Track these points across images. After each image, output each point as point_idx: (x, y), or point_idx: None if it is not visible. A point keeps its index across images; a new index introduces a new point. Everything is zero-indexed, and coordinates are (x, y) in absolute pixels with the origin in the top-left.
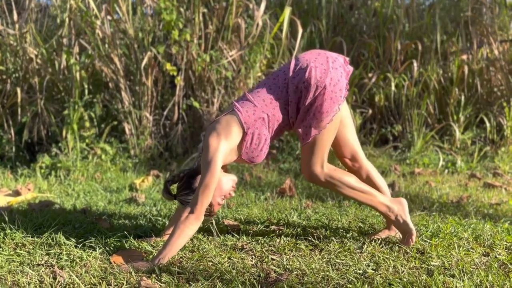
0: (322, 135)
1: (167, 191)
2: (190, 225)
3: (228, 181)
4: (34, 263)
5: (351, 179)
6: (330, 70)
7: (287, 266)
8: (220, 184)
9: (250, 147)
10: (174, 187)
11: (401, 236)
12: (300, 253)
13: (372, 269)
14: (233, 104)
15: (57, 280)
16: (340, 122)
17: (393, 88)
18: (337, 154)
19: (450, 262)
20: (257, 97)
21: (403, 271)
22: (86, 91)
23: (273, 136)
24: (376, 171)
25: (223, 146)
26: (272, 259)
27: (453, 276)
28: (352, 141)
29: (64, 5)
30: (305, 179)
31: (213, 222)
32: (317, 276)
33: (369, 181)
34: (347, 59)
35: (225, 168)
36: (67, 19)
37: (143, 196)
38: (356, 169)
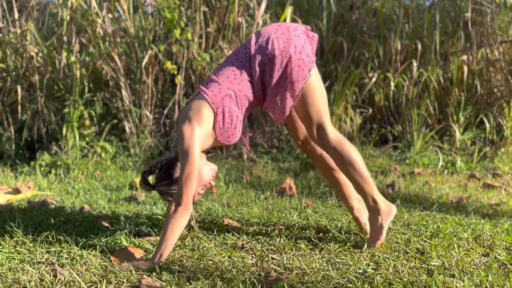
0: (309, 93)
1: (145, 182)
2: (180, 218)
3: (208, 171)
4: (35, 261)
5: (360, 158)
6: (293, 38)
7: (287, 265)
8: (200, 174)
9: (224, 127)
10: (152, 178)
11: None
12: (300, 253)
13: (372, 269)
14: (199, 88)
15: (57, 278)
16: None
17: (392, 88)
18: (295, 137)
19: (450, 262)
20: (221, 75)
21: (403, 270)
22: (87, 89)
23: (245, 114)
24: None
25: (198, 132)
26: (272, 258)
27: (453, 276)
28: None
29: (65, 2)
30: (315, 143)
31: (193, 213)
32: (317, 275)
33: (323, 163)
34: (308, 27)
35: (206, 155)
36: (67, 17)
37: (143, 195)
38: (309, 150)
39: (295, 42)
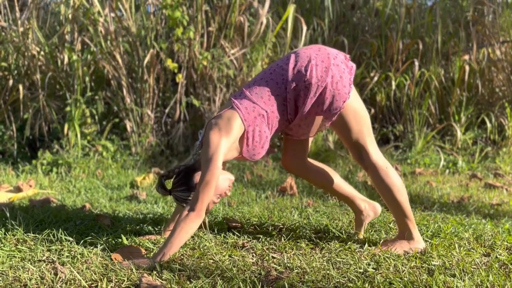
0: (347, 117)
1: (162, 186)
2: (191, 223)
3: (225, 180)
4: (35, 259)
5: (402, 186)
6: (331, 67)
7: (288, 264)
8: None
9: (252, 145)
10: (169, 182)
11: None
12: (301, 252)
13: (373, 268)
14: (231, 100)
15: (58, 276)
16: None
17: (394, 87)
18: (283, 156)
19: (450, 262)
20: (255, 94)
21: (404, 270)
22: (88, 88)
23: (273, 133)
24: (321, 168)
25: (224, 143)
26: (273, 257)
27: (453, 276)
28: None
29: (67, 1)
30: (358, 163)
31: (206, 220)
32: (317, 275)
33: (312, 178)
34: (348, 56)
35: (224, 166)
36: (69, 16)
37: (144, 194)
38: (302, 172)
39: (333, 71)
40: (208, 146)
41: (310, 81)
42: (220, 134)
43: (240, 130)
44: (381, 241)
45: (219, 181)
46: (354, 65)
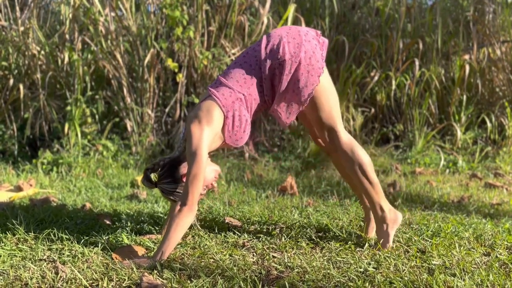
0: (319, 98)
1: (147, 179)
2: (184, 217)
3: (211, 172)
4: (36, 258)
5: (370, 164)
6: (304, 43)
7: (288, 264)
8: None
9: (233, 130)
10: (154, 175)
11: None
12: (301, 251)
13: (373, 268)
14: (208, 90)
15: (59, 275)
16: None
17: (394, 87)
18: (311, 134)
19: (451, 262)
20: (230, 79)
21: (404, 269)
22: (89, 88)
23: (253, 116)
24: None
25: (206, 134)
26: (273, 257)
27: (454, 275)
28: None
29: (68, 1)
30: (322, 144)
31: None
32: (318, 274)
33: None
34: (319, 32)
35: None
36: (70, 15)
37: (145, 193)
38: (331, 149)
39: (306, 47)
40: (191, 139)
41: (284, 57)
42: (200, 125)
43: (220, 118)
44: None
45: (206, 173)
46: (326, 40)
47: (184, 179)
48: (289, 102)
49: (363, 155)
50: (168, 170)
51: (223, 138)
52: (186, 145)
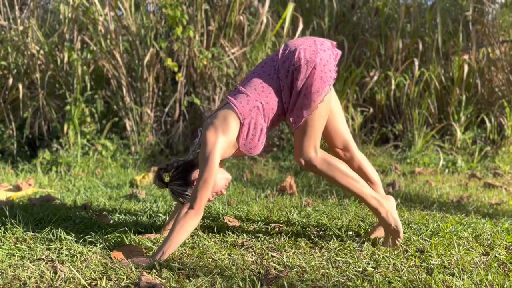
0: (313, 118)
1: (159, 179)
2: (190, 220)
3: (222, 179)
4: (35, 257)
5: (345, 167)
6: (319, 51)
7: (287, 263)
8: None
9: (247, 138)
10: (167, 176)
11: (383, 237)
12: (300, 251)
13: (372, 267)
14: (227, 98)
15: (57, 275)
16: (330, 111)
17: (393, 87)
18: (329, 144)
19: (449, 261)
20: (249, 87)
21: (403, 269)
22: (88, 87)
23: (270, 126)
24: (368, 162)
25: (221, 141)
26: (272, 256)
27: (452, 275)
28: (343, 131)
29: (67, 0)
30: (299, 165)
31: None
32: (317, 274)
33: (361, 171)
34: (334, 43)
35: (221, 165)
36: (69, 15)
37: (144, 193)
38: (348, 159)
39: (321, 55)
40: (205, 145)
41: (300, 62)
42: (216, 133)
43: (236, 127)
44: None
45: (217, 180)
46: (339, 52)
47: (195, 183)
48: (300, 106)
49: (336, 161)
50: (181, 172)
51: (237, 146)
52: (200, 150)
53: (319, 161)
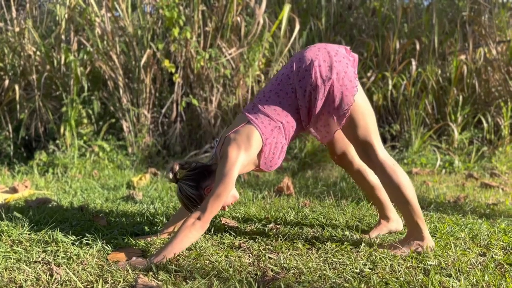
0: (354, 114)
1: (173, 173)
2: (195, 231)
3: (230, 197)
4: (31, 260)
5: (409, 184)
6: (334, 64)
7: (284, 265)
8: None
9: (268, 157)
10: (181, 173)
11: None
12: (297, 252)
13: (369, 268)
14: (245, 115)
15: (53, 277)
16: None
17: (390, 87)
18: (329, 146)
19: (446, 262)
20: (268, 107)
21: (400, 270)
22: (85, 88)
23: (289, 141)
24: (369, 169)
25: (242, 159)
26: (269, 258)
27: (449, 275)
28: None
29: (64, 1)
30: (363, 162)
31: None
32: (314, 275)
33: (360, 175)
34: (348, 48)
35: None
36: (66, 16)
37: (141, 194)
38: (348, 162)
39: (337, 68)
40: (226, 160)
41: (316, 82)
42: (238, 150)
43: (259, 145)
44: (388, 245)
45: None
46: (356, 56)
47: (205, 191)
48: (325, 123)
49: (400, 175)
50: (197, 175)
51: (257, 163)
52: (220, 164)
53: (385, 164)
